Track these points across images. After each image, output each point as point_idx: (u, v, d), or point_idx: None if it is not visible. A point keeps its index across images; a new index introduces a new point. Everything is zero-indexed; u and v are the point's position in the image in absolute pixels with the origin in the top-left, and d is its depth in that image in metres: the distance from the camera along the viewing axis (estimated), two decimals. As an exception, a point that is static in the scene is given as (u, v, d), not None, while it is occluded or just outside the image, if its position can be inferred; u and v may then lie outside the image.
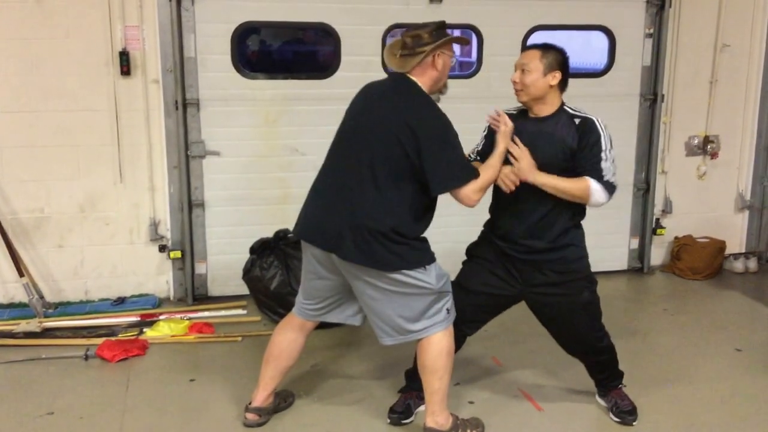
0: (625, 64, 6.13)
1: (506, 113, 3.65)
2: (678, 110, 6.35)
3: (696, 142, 6.47)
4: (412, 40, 3.41)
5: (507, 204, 3.63)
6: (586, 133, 3.50)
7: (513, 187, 3.46)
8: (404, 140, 3.28)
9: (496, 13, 5.78)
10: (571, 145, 3.49)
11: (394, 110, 3.37)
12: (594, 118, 3.53)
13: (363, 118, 3.46)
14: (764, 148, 6.60)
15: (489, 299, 3.75)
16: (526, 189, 3.49)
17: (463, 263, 3.87)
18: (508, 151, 3.49)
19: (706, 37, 6.28)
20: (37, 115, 5.23)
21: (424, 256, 3.44)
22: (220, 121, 5.50)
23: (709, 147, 6.47)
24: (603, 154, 3.49)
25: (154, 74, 5.34)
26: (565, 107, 3.59)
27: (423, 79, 3.42)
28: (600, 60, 6.25)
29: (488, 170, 3.45)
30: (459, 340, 3.77)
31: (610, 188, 3.49)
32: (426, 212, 3.47)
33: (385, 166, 3.32)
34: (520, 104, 3.66)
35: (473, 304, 3.73)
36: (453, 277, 3.72)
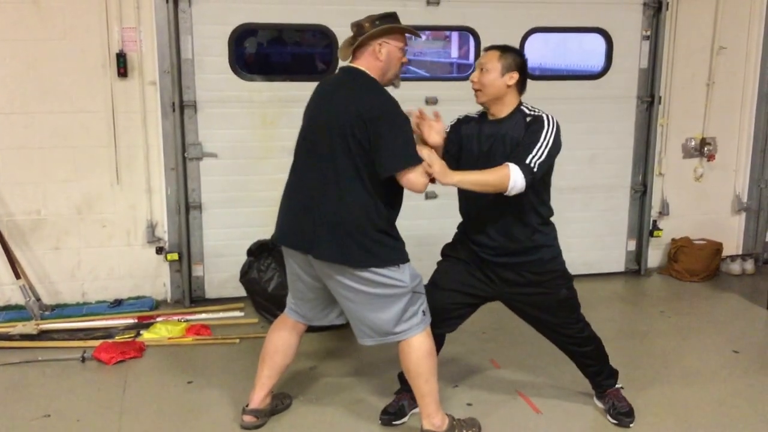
0: (623, 66, 6.13)
1: (468, 116, 3.71)
2: (675, 112, 6.36)
3: (693, 144, 6.48)
4: (356, 29, 3.45)
5: (471, 208, 3.67)
6: (531, 126, 3.49)
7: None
8: (356, 130, 3.28)
9: (494, 15, 5.79)
10: (519, 140, 3.48)
11: (344, 101, 3.37)
12: (545, 116, 3.51)
13: (317, 115, 3.47)
14: (761, 150, 6.61)
15: (465, 298, 3.76)
16: (479, 198, 3.51)
17: (438, 263, 3.88)
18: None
19: (703, 40, 6.29)
20: (33, 117, 5.23)
21: (397, 255, 3.45)
22: (217, 122, 5.50)
23: (706, 149, 6.48)
24: (538, 143, 3.41)
25: (151, 76, 5.34)
26: (522, 107, 3.59)
27: (370, 69, 3.42)
28: (597, 62, 6.26)
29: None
30: (438, 342, 3.77)
31: (528, 173, 3.34)
32: (396, 197, 3.46)
33: (345, 159, 3.32)
34: (480, 109, 3.69)
35: (450, 302, 3.74)
36: (426, 281, 3.73)
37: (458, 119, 3.75)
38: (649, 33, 6.12)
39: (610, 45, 6.08)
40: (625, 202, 6.41)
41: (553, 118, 3.51)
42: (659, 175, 6.43)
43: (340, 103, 3.37)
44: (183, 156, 5.44)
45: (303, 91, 5.59)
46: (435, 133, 3.48)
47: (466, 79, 5.81)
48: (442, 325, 3.78)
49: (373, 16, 3.44)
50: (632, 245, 6.52)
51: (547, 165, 3.45)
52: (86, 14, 5.17)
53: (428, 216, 5.69)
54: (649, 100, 6.21)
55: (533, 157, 3.38)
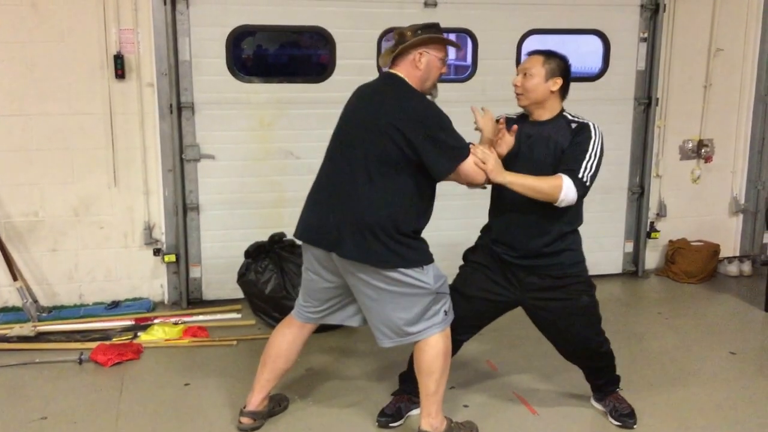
0: (620, 68, 6.14)
1: (507, 117, 3.70)
2: (672, 114, 6.37)
3: (690, 146, 6.49)
4: (398, 37, 3.47)
5: (503, 210, 3.65)
6: (578, 134, 3.51)
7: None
8: (394, 135, 3.29)
9: (491, 17, 5.79)
10: (563, 146, 3.50)
11: (381, 106, 3.38)
12: (591, 124, 3.55)
13: (355, 117, 3.48)
14: (758, 151, 6.62)
15: (487, 305, 3.75)
16: (515, 200, 3.50)
17: (460, 268, 3.87)
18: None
19: (700, 42, 6.30)
20: (31, 119, 5.22)
21: (422, 256, 3.45)
22: (214, 124, 5.49)
23: (703, 151, 6.48)
24: (587, 155, 3.46)
25: (149, 77, 5.34)
26: (565, 113, 3.61)
27: (409, 77, 3.45)
28: (594, 64, 6.27)
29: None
30: (455, 346, 3.77)
31: (581, 188, 3.41)
32: (425, 207, 3.49)
33: (380, 163, 3.33)
34: (520, 109, 3.68)
35: (471, 309, 3.73)
36: (450, 281, 3.72)
37: (497, 119, 3.73)
38: (646, 35, 6.12)
39: (608, 47, 6.09)
40: (623, 203, 6.41)
41: (597, 128, 3.53)
42: (656, 177, 6.44)
43: (378, 107, 3.39)
44: (180, 158, 5.43)
45: (301, 92, 5.68)
46: (505, 145, 3.54)
47: (464, 80, 5.86)
48: (461, 332, 3.78)
49: (416, 26, 3.46)
50: (630, 247, 6.53)
51: (597, 176, 3.48)
52: (84, 16, 5.16)
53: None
54: (646, 102, 6.21)
55: (585, 170, 3.42)
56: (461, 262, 3.89)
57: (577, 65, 6.75)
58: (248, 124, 5.57)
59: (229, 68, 5.45)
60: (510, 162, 3.53)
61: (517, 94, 3.59)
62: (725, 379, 4.51)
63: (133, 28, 5.25)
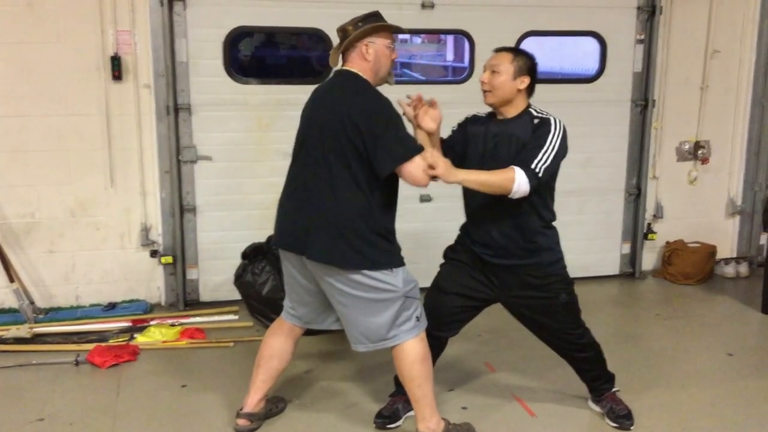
0: (617, 69, 6.15)
1: (476, 116, 3.72)
2: (669, 116, 6.37)
3: (687, 147, 6.49)
4: (341, 33, 3.48)
5: (474, 210, 3.67)
6: (538, 128, 3.49)
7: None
8: (350, 132, 3.29)
9: (489, 19, 5.80)
10: (524, 141, 3.49)
11: (334, 103, 3.39)
12: (552, 118, 3.52)
13: (312, 117, 3.49)
14: (755, 153, 6.63)
15: (467, 301, 3.76)
16: (482, 200, 3.52)
17: (441, 266, 3.87)
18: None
19: (696, 43, 6.31)
20: (27, 120, 5.22)
21: (389, 258, 3.44)
22: (211, 125, 5.49)
23: (700, 152, 6.49)
24: (543, 147, 3.42)
25: (146, 79, 5.33)
26: (531, 109, 3.59)
27: (362, 70, 3.44)
28: (591, 65, 6.27)
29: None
30: (439, 346, 3.79)
31: (533, 178, 3.34)
32: (390, 204, 3.46)
33: (340, 161, 3.33)
34: (490, 110, 3.69)
35: (451, 305, 3.74)
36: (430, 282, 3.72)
37: (466, 118, 3.75)
38: (643, 37, 6.13)
39: (605, 48, 6.10)
40: (620, 205, 6.42)
41: (559, 122, 3.51)
42: (653, 179, 6.44)
43: (332, 106, 3.39)
44: (177, 159, 5.43)
45: (298, 94, 5.62)
46: (429, 118, 3.51)
47: (461, 82, 5.86)
48: (444, 329, 3.78)
49: (356, 18, 3.46)
50: (626, 248, 6.53)
51: (553, 169, 3.46)
52: (81, 17, 5.16)
53: (424, 219, 5.69)
54: (643, 104, 6.22)
55: (539, 161, 3.38)
56: (440, 263, 3.89)
57: (574, 67, 6.78)
58: (245, 125, 5.56)
59: (226, 69, 5.45)
60: (476, 162, 3.54)
61: (485, 92, 3.57)
62: (722, 380, 4.51)
63: (130, 30, 5.25)
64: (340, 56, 3.53)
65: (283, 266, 3.69)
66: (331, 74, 3.64)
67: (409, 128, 3.48)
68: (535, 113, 3.57)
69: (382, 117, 3.31)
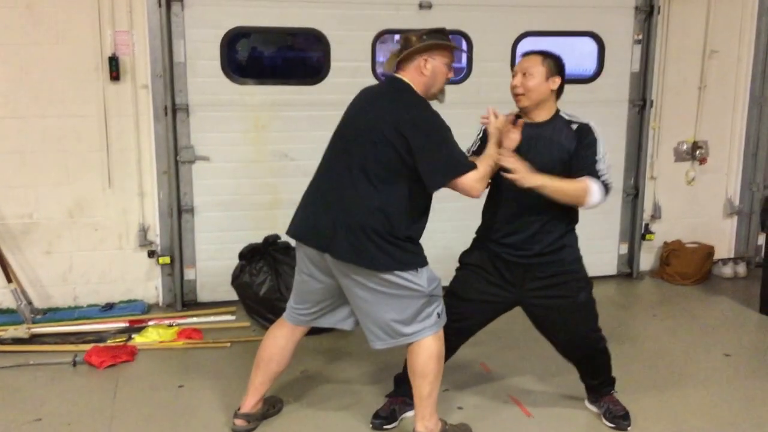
0: (614, 70, 6.15)
1: None
2: (667, 116, 6.37)
3: (685, 147, 6.49)
4: (403, 42, 3.48)
5: (509, 211, 3.64)
6: (583, 136, 3.54)
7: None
8: (395, 140, 3.29)
9: (486, 19, 5.80)
10: (569, 149, 3.52)
11: (384, 111, 3.39)
12: (590, 124, 3.58)
13: (356, 119, 3.48)
14: (752, 153, 6.64)
15: (485, 306, 3.76)
16: (523, 201, 3.52)
17: (457, 272, 3.86)
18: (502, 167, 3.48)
19: (694, 43, 6.31)
20: (25, 121, 5.22)
21: (416, 259, 3.45)
22: (209, 126, 5.49)
23: (697, 153, 6.49)
24: (599, 156, 3.52)
25: (144, 79, 5.34)
26: (561, 113, 3.63)
27: (414, 82, 3.45)
28: (589, 66, 6.27)
29: (486, 160, 3.44)
30: (450, 350, 3.78)
31: (606, 189, 3.49)
32: (421, 214, 3.48)
33: (378, 167, 3.33)
34: (510, 111, 3.67)
35: (470, 312, 3.74)
36: (444, 283, 3.71)
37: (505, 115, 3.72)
38: (640, 37, 6.13)
39: (602, 49, 6.10)
40: (617, 205, 6.42)
41: (596, 127, 3.58)
42: (651, 179, 6.45)
43: (380, 112, 3.39)
44: (175, 159, 5.43)
45: (295, 95, 5.68)
46: (510, 141, 3.50)
47: (458, 82, 5.86)
48: (459, 335, 3.80)
49: (422, 31, 3.46)
50: (624, 248, 6.53)
51: None
52: (79, 18, 5.16)
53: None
54: (640, 104, 6.22)
55: (605, 173, 3.48)
56: (456, 265, 3.88)
57: (571, 67, 6.78)
58: (243, 126, 5.56)
59: (223, 70, 5.45)
60: None
61: (518, 95, 3.57)
62: (720, 380, 4.51)
63: (128, 30, 5.25)
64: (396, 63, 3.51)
65: (299, 259, 3.63)
66: (384, 80, 3.63)
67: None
68: (567, 117, 3.61)
69: (434, 133, 3.33)
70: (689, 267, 6.36)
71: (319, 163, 3.59)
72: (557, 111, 3.62)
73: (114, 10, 5.20)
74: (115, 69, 5.23)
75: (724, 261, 6.65)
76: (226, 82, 5.47)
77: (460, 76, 5.97)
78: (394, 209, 3.35)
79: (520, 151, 3.54)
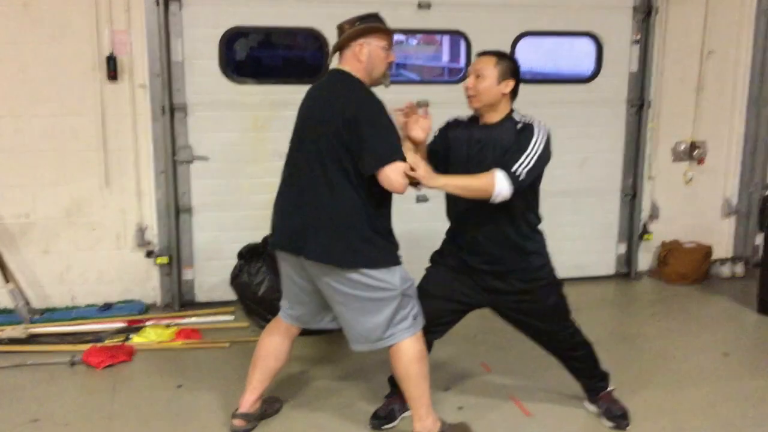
0: (613, 70, 6.15)
1: (457, 120, 3.70)
2: (665, 116, 6.38)
3: (683, 147, 6.50)
4: (338, 32, 3.49)
5: (460, 217, 3.66)
6: (521, 133, 3.48)
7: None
8: (342, 131, 3.28)
9: (485, 19, 5.80)
10: (508, 147, 3.48)
11: (327, 104, 3.39)
12: (535, 124, 3.51)
13: (307, 116, 3.49)
14: (750, 153, 6.64)
15: (453, 305, 3.76)
16: (464, 204, 3.52)
17: (427, 269, 3.87)
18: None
19: (692, 44, 6.31)
20: (23, 120, 5.21)
21: (386, 256, 3.44)
22: (207, 126, 5.49)
23: (695, 153, 6.49)
24: (526, 151, 3.41)
25: (141, 79, 5.33)
26: (513, 115, 3.59)
27: (354, 70, 3.44)
28: (587, 66, 6.28)
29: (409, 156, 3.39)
30: (426, 347, 3.77)
31: (515, 182, 3.34)
32: (379, 205, 3.43)
33: (334, 161, 3.33)
34: (472, 114, 3.68)
35: (437, 309, 3.73)
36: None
37: (447, 123, 3.75)
38: (639, 37, 6.14)
39: (600, 49, 6.10)
40: (616, 205, 6.42)
41: (543, 127, 3.50)
42: (649, 179, 6.45)
43: (325, 105, 3.39)
44: (173, 159, 5.42)
45: (294, 94, 5.59)
46: (419, 128, 3.46)
47: (457, 82, 5.86)
48: (430, 332, 3.77)
49: (354, 18, 3.46)
50: (622, 248, 6.53)
51: (535, 173, 3.44)
52: (76, 17, 5.15)
53: (420, 219, 5.68)
54: (639, 104, 6.23)
55: (520, 165, 3.37)
56: (426, 266, 3.89)
57: (570, 67, 6.78)
58: (241, 125, 5.56)
59: (222, 69, 5.44)
60: (461, 167, 3.54)
61: (470, 96, 3.56)
62: (718, 380, 4.51)
63: (125, 29, 5.24)
64: (337, 55, 3.52)
65: (280, 267, 3.69)
66: (327, 73, 3.64)
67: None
68: (518, 118, 3.56)
69: (372, 117, 3.31)
70: (687, 267, 6.36)
71: (283, 165, 3.59)
72: (510, 112, 3.58)
73: (112, 9, 5.19)
74: (112, 68, 5.22)
75: (722, 261, 6.66)
76: (224, 82, 5.46)
77: (459, 76, 5.97)
78: (357, 203, 3.33)
79: (471, 152, 3.55)
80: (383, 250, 3.42)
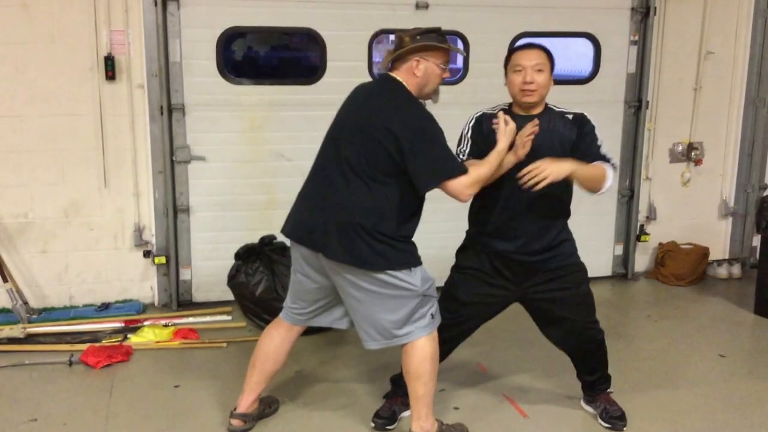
0: (610, 71, 6.16)
1: (486, 113, 3.68)
2: (662, 117, 6.39)
3: (680, 148, 6.51)
4: (397, 41, 3.46)
5: (508, 207, 3.60)
6: (582, 124, 3.58)
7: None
8: (385, 140, 3.29)
9: (483, 20, 5.80)
10: (570, 137, 3.55)
11: (375, 110, 3.38)
12: (584, 112, 3.63)
13: (349, 117, 3.47)
14: (748, 154, 6.65)
15: (485, 308, 3.77)
16: (521, 202, 3.52)
17: (454, 275, 3.83)
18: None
19: (690, 45, 6.32)
20: (21, 120, 5.21)
21: (408, 258, 3.44)
22: (205, 126, 5.49)
23: (693, 154, 6.50)
24: (600, 143, 3.58)
25: (139, 79, 5.33)
26: (550, 106, 3.63)
27: (407, 82, 3.44)
28: (585, 67, 6.28)
29: (484, 166, 3.41)
30: (446, 352, 3.79)
31: (615, 173, 3.59)
32: (412, 214, 3.46)
33: (370, 166, 3.33)
34: (495, 105, 3.69)
35: (469, 314, 3.74)
36: (438, 283, 3.71)
37: (476, 119, 3.69)
38: (636, 38, 6.14)
39: (598, 50, 6.11)
40: (613, 206, 6.43)
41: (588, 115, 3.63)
42: (646, 180, 6.46)
43: (372, 111, 3.38)
44: (171, 159, 5.42)
45: (291, 94, 5.68)
46: (523, 152, 3.46)
47: (455, 83, 5.86)
48: (458, 335, 3.81)
49: (416, 31, 3.44)
50: (619, 249, 6.54)
51: None
52: (74, 17, 5.15)
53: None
54: (636, 105, 6.23)
55: (610, 156, 3.56)
56: (450, 264, 3.87)
57: (568, 68, 6.79)
58: (239, 125, 5.56)
59: (219, 70, 5.44)
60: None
61: (530, 91, 3.50)
62: (715, 381, 4.52)
63: (123, 30, 5.24)
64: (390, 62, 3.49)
65: (293, 259, 3.63)
66: (377, 78, 3.61)
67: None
68: (558, 109, 3.62)
69: (427, 134, 3.32)
70: (684, 268, 6.37)
71: (313, 162, 3.58)
72: (546, 103, 3.63)
73: (110, 9, 5.19)
74: (110, 68, 5.22)
75: (719, 262, 6.67)
76: (222, 82, 5.47)
77: (457, 76, 5.97)
78: (386, 209, 3.34)
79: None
80: (404, 252, 3.42)
